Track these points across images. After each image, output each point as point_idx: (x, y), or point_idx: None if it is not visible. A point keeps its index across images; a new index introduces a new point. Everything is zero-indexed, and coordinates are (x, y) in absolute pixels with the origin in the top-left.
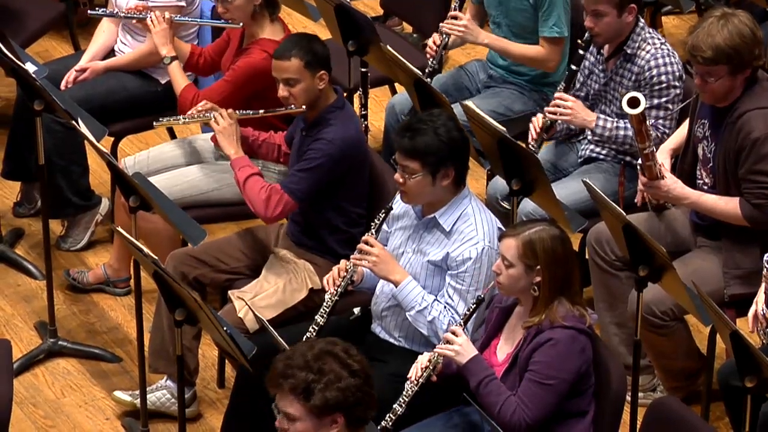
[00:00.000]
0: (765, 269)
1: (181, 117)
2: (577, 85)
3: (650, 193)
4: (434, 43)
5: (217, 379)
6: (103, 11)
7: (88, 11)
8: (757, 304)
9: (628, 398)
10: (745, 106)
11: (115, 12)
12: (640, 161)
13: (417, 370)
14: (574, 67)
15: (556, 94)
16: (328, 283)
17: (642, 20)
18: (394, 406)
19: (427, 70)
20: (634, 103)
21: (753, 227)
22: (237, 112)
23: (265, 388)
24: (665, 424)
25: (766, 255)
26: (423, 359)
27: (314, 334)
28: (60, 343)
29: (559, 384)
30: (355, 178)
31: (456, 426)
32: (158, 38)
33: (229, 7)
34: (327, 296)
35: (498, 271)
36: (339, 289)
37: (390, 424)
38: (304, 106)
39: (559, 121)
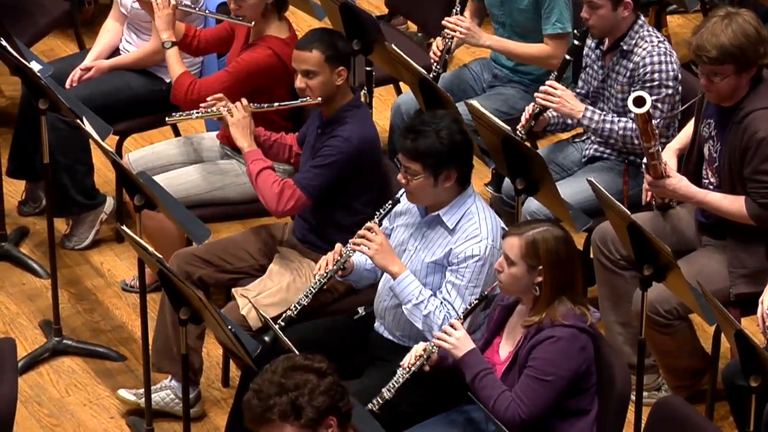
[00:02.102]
0: None
1: (194, 112)
2: (579, 83)
3: (655, 191)
4: (438, 47)
5: (221, 378)
6: None
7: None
8: (763, 304)
9: (633, 397)
10: (751, 106)
11: None
12: (645, 160)
13: (411, 357)
14: (568, 57)
15: (547, 82)
16: (319, 266)
17: (642, 18)
18: (382, 390)
19: (431, 75)
20: (639, 102)
21: (759, 226)
22: (252, 105)
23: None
24: (670, 423)
25: None
26: (419, 348)
27: (295, 314)
28: (65, 341)
29: (557, 381)
30: (368, 179)
31: (460, 425)
32: (160, 22)
33: (243, 4)
34: (316, 277)
35: (500, 269)
36: (329, 273)
37: (377, 407)
38: (319, 99)
39: (551, 112)
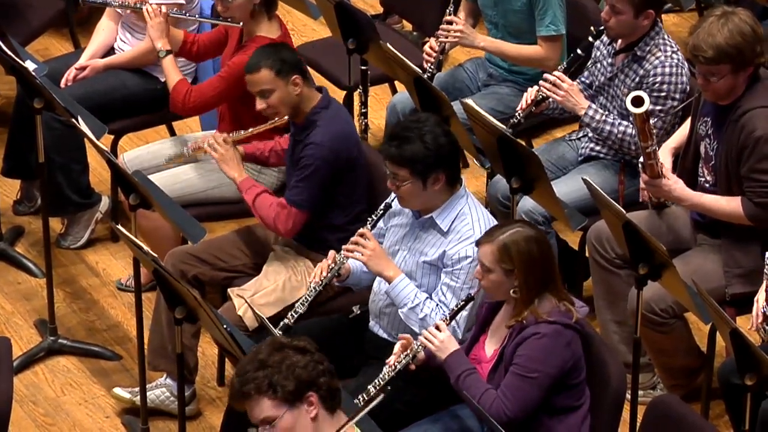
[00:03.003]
0: (767, 266)
1: (185, 151)
2: (585, 73)
3: (651, 191)
4: (431, 48)
5: (217, 377)
6: (96, 1)
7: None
8: (758, 303)
9: (628, 396)
10: (748, 104)
11: (109, 1)
12: (641, 159)
13: (397, 355)
14: (580, 52)
15: (555, 72)
16: (315, 274)
17: (659, 25)
18: (368, 387)
19: (426, 76)
20: (638, 102)
21: (756, 226)
22: (230, 135)
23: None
24: (665, 422)
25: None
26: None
27: (292, 322)
28: (60, 341)
29: (542, 378)
30: (352, 174)
31: (451, 425)
32: (153, 31)
33: (229, 6)
34: (312, 285)
35: (479, 277)
36: (324, 280)
37: (361, 403)
38: (286, 117)
39: (551, 100)
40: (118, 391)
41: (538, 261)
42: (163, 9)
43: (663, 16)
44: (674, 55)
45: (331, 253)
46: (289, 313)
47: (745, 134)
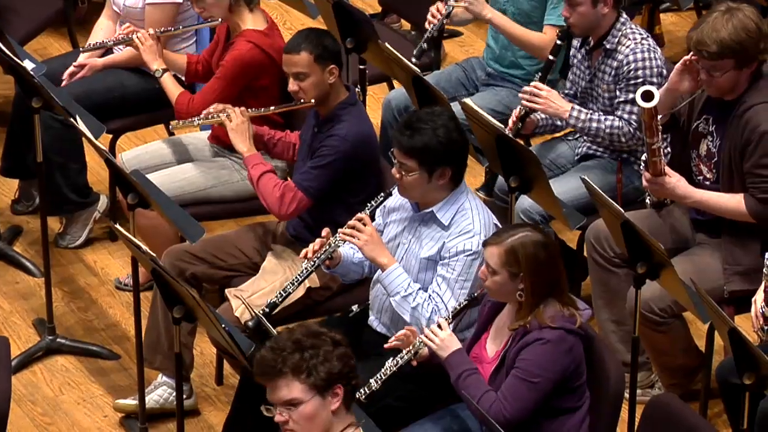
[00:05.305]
0: (766, 267)
1: (195, 118)
2: (568, 84)
3: (653, 189)
4: (438, 10)
5: (215, 376)
6: (94, 44)
7: (81, 49)
8: (756, 304)
9: (627, 395)
10: (752, 100)
11: (105, 42)
12: (643, 157)
13: (396, 341)
14: (551, 57)
15: (532, 83)
16: (305, 252)
17: (624, 16)
18: (370, 381)
19: (425, 36)
20: (647, 96)
21: (759, 223)
22: (249, 110)
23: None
24: (663, 420)
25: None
26: (399, 334)
27: (280, 300)
28: (58, 340)
29: (543, 382)
30: (365, 175)
31: (457, 425)
32: (147, 55)
33: (205, 5)
34: (303, 265)
35: (483, 277)
36: (316, 261)
37: (363, 397)
38: (313, 100)
39: (539, 114)
40: (120, 402)
41: (545, 266)
42: (152, 31)
43: (661, 15)
44: (644, 41)
45: (326, 230)
46: (278, 292)
47: (750, 129)
